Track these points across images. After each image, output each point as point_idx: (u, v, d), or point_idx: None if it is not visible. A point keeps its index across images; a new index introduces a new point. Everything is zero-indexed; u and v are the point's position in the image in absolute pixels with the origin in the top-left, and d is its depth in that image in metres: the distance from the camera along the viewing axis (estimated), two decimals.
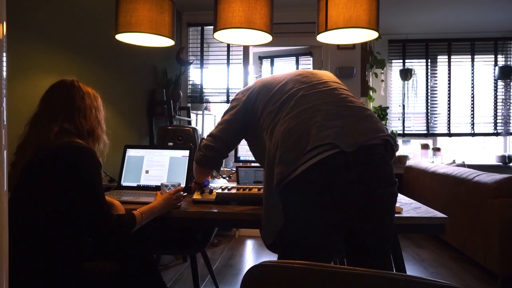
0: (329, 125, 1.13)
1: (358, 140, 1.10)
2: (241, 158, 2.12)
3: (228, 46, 4.14)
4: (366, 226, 1.15)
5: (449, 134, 4.67)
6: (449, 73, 4.66)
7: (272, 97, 1.33)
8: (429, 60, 4.69)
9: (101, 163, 1.32)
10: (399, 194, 1.57)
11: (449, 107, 4.67)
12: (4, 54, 0.61)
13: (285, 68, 4.24)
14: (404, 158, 4.43)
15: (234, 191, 1.67)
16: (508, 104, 4.59)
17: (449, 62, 4.65)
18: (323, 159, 1.07)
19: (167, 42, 1.92)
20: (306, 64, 4.12)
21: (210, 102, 4.37)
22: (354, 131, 1.13)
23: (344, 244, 1.23)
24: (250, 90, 1.45)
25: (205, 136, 2.13)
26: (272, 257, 2.42)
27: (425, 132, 4.68)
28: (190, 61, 4.07)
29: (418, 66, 4.70)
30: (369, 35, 1.83)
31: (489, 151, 4.96)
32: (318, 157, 1.07)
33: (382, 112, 4.30)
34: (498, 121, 4.61)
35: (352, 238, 1.19)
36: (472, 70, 4.62)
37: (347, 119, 1.16)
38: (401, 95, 4.73)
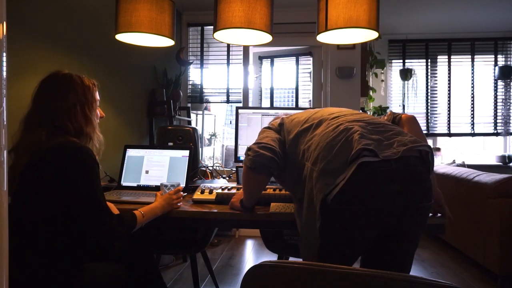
0: (369, 137, 1.14)
1: (399, 149, 1.10)
2: (241, 158, 2.12)
3: (228, 46, 4.13)
4: (402, 237, 1.17)
5: (449, 134, 4.68)
6: (449, 73, 4.66)
7: (303, 124, 1.34)
8: (429, 60, 4.68)
9: (98, 162, 1.29)
10: None
11: (449, 107, 4.67)
12: (4, 54, 0.61)
13: (285, 68, 4.24)
14: None
15: (234, 191, 1.67)
16: (508, 104, 4.59)
17: (449, 62, 4.65)
18: (369, 165, 1.07)
19: (167, 42, 1.92)
20: (306, 64, 4.12)
21: (210, 102, 4.36)
22: (394, 142, 1.14)
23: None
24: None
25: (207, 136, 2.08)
26: (272, 257, 2.42)
27: (425, 132, 4.68)
28: (190, 61, 4.07)
29: (418, 66, 4.70)
30: (369, 35, 1.83)
31: (489, 151, 4.95)
32: (363, 160, 1.07)
33: (382, 112, 4.30)
34: (498, 121, 4.61)
35: (383, 245, 1.19)
36: (472, 70, 4.61)
37: (384, 133, 1.17)
38: (401, 95, 4.74)
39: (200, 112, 4.34)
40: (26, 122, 1.28)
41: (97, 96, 1.41)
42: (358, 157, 1.07)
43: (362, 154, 1.08)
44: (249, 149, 1.36)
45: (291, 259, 2.00)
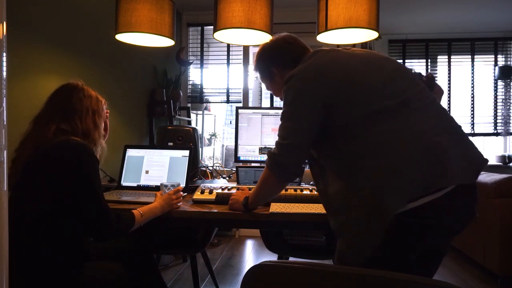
0: (451, 155, 1.02)
1: (475, 171, 1.06)
2: (241, 158, 2.12)
3: (228, 46, 4.13)
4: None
5: None
6: (449, 73, 4.65)
7: (370, 104, 1.09)
8: (429, 60, 4.68)
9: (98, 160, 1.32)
10: None
11: (449, 107, 4.66)
12: (4, 54, 0.61)
13: None
14: None
15: (234, 191, 1.67)
16: (508, 104, 4.58)
17: (449, 62, 4.65)
18: (448, 194, 1.01)
19: (167, 42, 1.92)
20: None
21: (210, 102, 4.37)
22: (471, 160, 1.06)
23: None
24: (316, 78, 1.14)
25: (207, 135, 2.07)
26: (272, 257, 2.42)
27: None
28: (190, 61, 4.07)
29: (418, 66, 4.70)
30: (369, 35, 1.84)
31: (489, 151, 4.95)
32: (442, 192, 1.01)
33: None
34: (498, 121, 4.61)
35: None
36: (472, 70, 4.61)
37: (461, 146, 1.08)
38: None
39: (200, 112, 4.34)
40: (36, 120, 1.34)
41: (106, 112, 1.50)
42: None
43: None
44: (275, 153, 1.19)
45: (291, 259, 2.00)
